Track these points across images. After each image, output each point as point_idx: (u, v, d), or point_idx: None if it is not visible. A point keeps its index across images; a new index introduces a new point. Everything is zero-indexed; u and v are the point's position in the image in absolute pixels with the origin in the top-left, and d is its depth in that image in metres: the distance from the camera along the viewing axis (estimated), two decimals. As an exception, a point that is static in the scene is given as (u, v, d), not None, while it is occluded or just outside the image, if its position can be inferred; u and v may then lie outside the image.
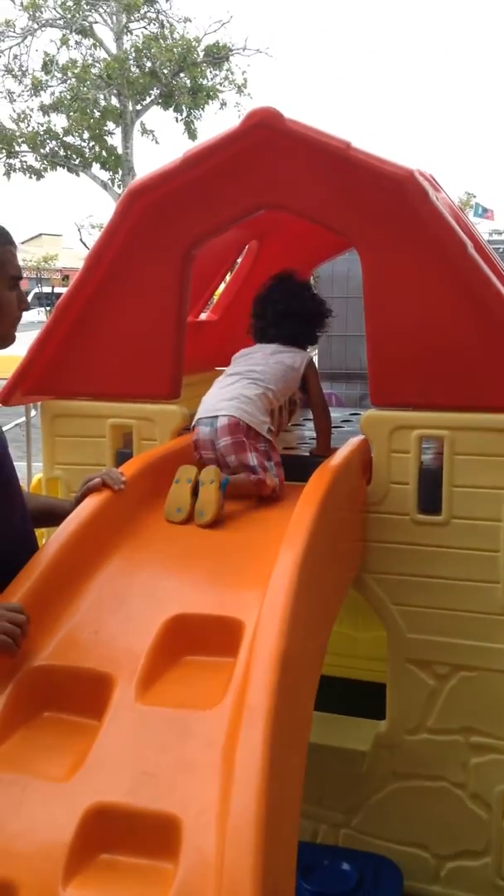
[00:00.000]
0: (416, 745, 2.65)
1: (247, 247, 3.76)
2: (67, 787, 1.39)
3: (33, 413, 4.89)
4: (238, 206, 2.67)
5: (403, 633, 2.62)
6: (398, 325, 2.53)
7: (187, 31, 21.20)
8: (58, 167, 21.30)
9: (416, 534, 2.58)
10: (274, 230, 3.63)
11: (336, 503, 2.16)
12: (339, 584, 2.35)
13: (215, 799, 1.32)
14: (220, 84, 21.56)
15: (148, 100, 21.47)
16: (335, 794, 2.74)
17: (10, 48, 20.65)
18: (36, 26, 20.67)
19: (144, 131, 21.98)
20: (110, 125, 21.35)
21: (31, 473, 4.41)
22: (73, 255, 36.00)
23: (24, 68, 20.74)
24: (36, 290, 29.04)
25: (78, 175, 21.79)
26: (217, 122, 28.21)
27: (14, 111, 21.18)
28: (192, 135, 21.27)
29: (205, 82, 21.24)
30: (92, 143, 21.22)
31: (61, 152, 21.17)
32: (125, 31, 21.16)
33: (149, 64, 20.72)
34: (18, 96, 20.90)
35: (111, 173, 21.68)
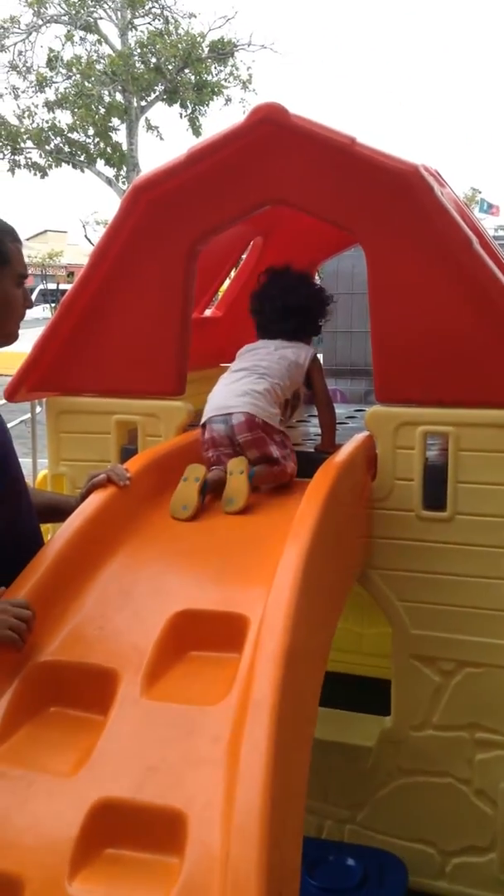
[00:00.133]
0: (421, 742, 2.65)
1: (251, 243, 3.76)
2: (73, 782, 1.39)
3: (38, 409, 4.90)
4: (243, 202, 2.67)
5: (408, 629, 2.62)
6: (403, 321, 2.52)
7: (192, 27, 21.19)
8: (62, 164, 21.29)
9: (421, 530, 2.57)
10: (279, 226, 3.63)
11: (341, 499, 2.17)
12: (343, 581, 2.35)
13: (220, 794, 1.32)
14: (225, 80, 21.54)
15: (153, 96, 21.45)
16: (340, 789, 2.75)
17: (15, 44, 20.67)
18: (40, 22, 20.66)
19: (149, 127, 21.97)
20: (115, 121, 21.33)
21: (37, 470, 4.42)
22: (78, 252, 35.99)
23: (28, 64, 20.75)
24: (41, 286, 29.07)
25: (83, 171, 21.78)
26: (222, 118, 28.21)
27: (18, 107, 21.20)
28: (196, 131, 21.26)
29: (209, 78, 21.22)
30: (97, 140, 21.20)
31: (66, 149, 21.15)
32: (130, 27, 21.13)
33: (153, 60, 20.71)
34: (23, 92, 20.90)
35: (116, 170, 21.66)
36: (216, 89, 21.29)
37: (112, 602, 1.85)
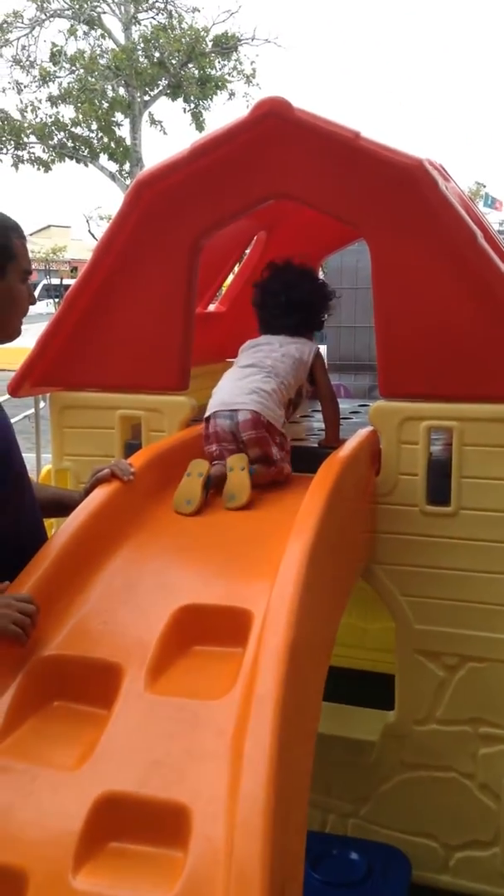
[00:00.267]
0: (424, 736, 2.65)
1: (255, 237, 3.76)
2: (77, 776, 1.40)
3: (42, 405, 4.90)
4: (246, 197, 2.66)
5: (412, 623, 2.62)
6: (407, 316, 2.52)
7: (196, 21, 21.15)
8: (66, 158, 21.26)
9: (425, 525, 2.57)
10: (282, 221, 3.62)
11: (345, 494, 2.16)
12: (347, 575, 2.35)
13: (224, 788, 1.32)
14: (229, 74, 21.46)
15: (156, 90, 21.39)
16: (344, 783, 2.75)
17: (18, 39, 20.61)
18: (44, 17, 20.60)
19: (153, 122, 21.91)
20: (118, 116, 21.28)
21: (40, 465, 4.42)
22: (82, 247, 35.96)
23: (31, 59, 20.68)
24: (44, 282, 29.04)
25: (86, 166, 21.74)
26: (225, 112, 28.19)
27: (22, 102, 21.28)
28: (200, 125, 21.20)
29: (213, 72, 21.15)
30: (100, 134, 21.16)
31: (69, 143, 21.11)
32: (133, 21, 21.07)
33: (157, 54, 20.64)
34: (26, 87, 20.85)
35: (119, 164, 21.62)
36: (220, 84, 21.22)
37: (116, 596, 1.85)
